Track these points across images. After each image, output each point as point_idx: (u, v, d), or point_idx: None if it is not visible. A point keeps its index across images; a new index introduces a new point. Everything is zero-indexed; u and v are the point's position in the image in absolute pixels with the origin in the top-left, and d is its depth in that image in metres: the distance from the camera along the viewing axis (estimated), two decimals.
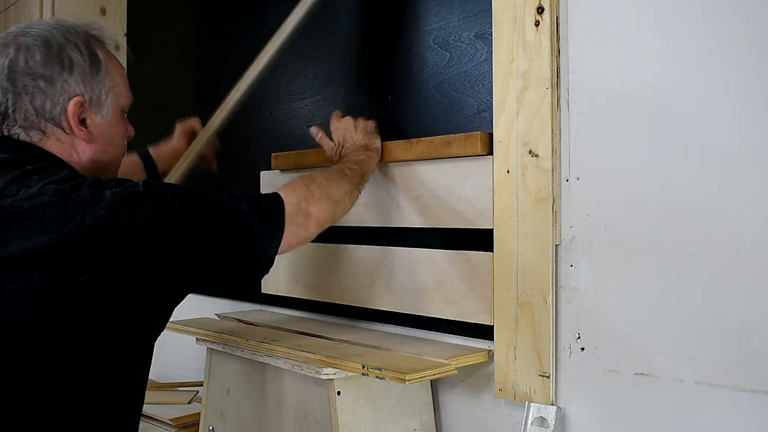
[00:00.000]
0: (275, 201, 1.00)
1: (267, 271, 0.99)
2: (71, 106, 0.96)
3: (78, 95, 0.96)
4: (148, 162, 1.44)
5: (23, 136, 0.96)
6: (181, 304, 0.99)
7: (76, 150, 0.98)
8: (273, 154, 1.55)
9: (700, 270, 0.93)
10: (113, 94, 1.02)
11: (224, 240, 0.92)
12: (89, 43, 1.00)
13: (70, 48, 0.97)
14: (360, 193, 1.18)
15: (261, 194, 1.02)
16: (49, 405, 0.88)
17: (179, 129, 1.50)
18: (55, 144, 0.97)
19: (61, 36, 0.97)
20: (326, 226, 1.07)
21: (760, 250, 0.88)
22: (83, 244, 0.84)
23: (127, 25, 2.23)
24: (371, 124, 1.28)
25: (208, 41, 1.89)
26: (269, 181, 1.58)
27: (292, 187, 1.05)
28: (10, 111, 0.95)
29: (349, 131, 1.27)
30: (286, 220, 0.98)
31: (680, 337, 0.95)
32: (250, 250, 0.95)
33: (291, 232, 0.99)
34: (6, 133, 0.96)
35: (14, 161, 0.92)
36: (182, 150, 1.45)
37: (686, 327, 0.94)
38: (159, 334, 1.01)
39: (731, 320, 0.90)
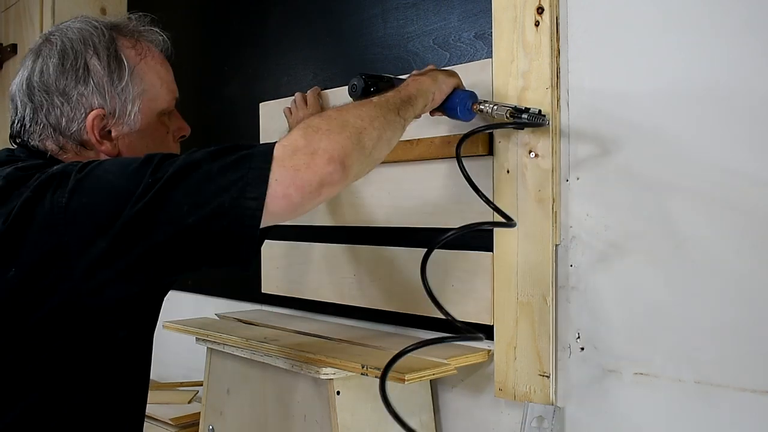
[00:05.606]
0: (256, 146, 0.78)
1: (251, 232, 0.74)
2: (90, 121, 0.88)
3: (97, 108, 0.88)
4: None
5: (39, 146, 0.91)
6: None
7: None
8: None
9: (700, 270, 0.93)
10: (143, 99, 0.91)
11: (170, 201, 0.73)
12: (113, 44, 0.91)
13: (89, 54, 0.89)
14: (405, 120, 0.91)
15: (239, 144, 0.80)
16: (26, 405, 0.80)
17: (309, 98, 1.37)
18: (74, 158, 0.89)
19: (80, 40, 0.89)
20: (352, 163, 0.79)
21: (760, 251, 0.88)
22: (8, 231, 0.75)
23: None
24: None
25: (208, 41, 1.89)
26: None
27: (288, 134, 0.81)
28: (27, 125, 0.90)
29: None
30: (273, 165, 0.75)
31: (680, 337, 0.95)
32: (209, 206, 0.74)
33: (286, 177, 0.75)
34: (24, 143, 0.92)
35: (11, 159, 0.88)
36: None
37: (686, 327, 0.94)
38: (149, 329, 0.91)
39: (731, 320, 0.90)
